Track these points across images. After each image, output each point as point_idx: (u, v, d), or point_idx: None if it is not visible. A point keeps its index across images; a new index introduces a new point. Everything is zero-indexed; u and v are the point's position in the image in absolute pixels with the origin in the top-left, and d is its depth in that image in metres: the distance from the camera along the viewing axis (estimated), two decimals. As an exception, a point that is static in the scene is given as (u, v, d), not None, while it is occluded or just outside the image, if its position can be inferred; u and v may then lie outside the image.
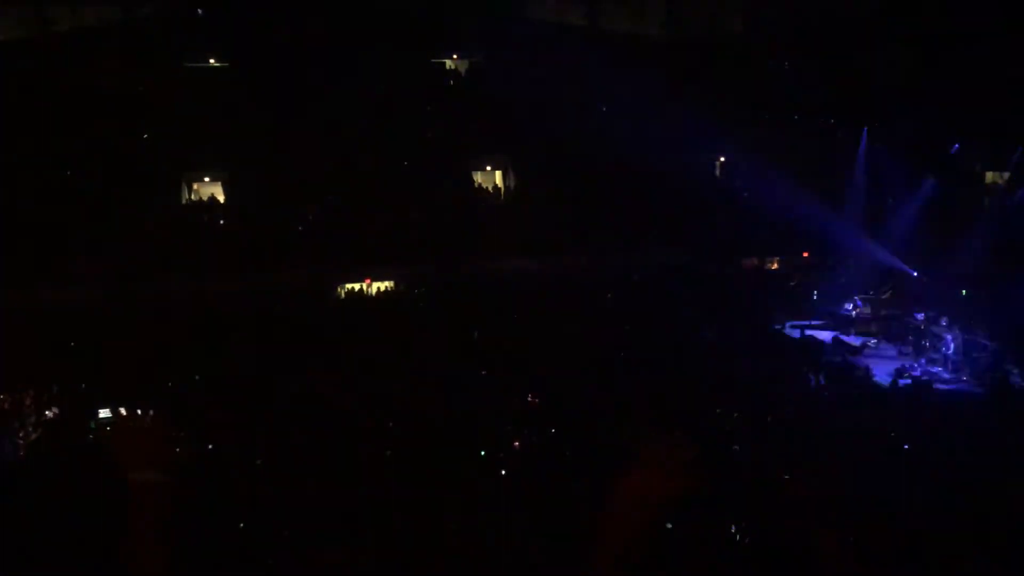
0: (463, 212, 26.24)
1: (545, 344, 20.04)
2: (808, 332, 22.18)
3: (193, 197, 27.32)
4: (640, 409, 15.06)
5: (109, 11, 29.17)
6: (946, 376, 19.33)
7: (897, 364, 20.18)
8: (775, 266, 27.97)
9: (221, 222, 25.35)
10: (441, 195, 26.41)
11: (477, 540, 8.87)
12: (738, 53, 30.67)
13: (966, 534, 8.88)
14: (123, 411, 13.65)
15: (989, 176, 29.50)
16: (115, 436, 2.35)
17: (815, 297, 24.53)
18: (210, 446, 11.50)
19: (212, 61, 29.87)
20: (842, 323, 23.22)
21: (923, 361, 20.43)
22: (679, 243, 25.90)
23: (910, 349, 21.44)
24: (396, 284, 25.10)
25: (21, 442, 14.89)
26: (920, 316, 21.97)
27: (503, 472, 11.46)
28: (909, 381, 18.61)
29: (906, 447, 12.20)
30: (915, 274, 24.34)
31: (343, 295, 24.65)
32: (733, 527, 8.68)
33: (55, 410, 16.22)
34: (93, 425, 15.07)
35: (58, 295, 20.88)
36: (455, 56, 32.32)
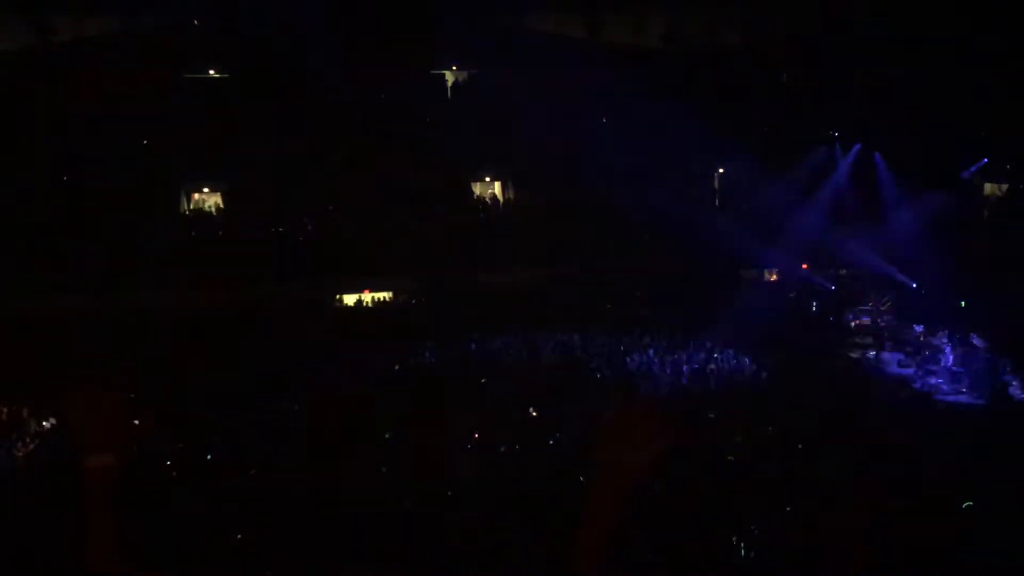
0: (462, 223, 26.19)
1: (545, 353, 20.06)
2: None
3: (192, 207, 27.32)
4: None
5: (109, 22, 29.18)
6: (945, 388, 19.28)
7: (896, 376, 20.16)
8: (774, 278, 27.93)
9: (220, 232, 25.31)
10: (441, 206, 26.37)
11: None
12: (737, 65, 30.71)
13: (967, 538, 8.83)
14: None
15: (987, 188, 29.54)
16: (76, 416, 2.15)
17: (814, 309, 24.49)
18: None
19: (212, 72, 29.90)
20: (842, 335, 23.18)
21: (922, 373, 20.39)
22: (679, 254, 25.82)
23: (909, 361, 21.38)
24: (395, 295, 25.06)
25: (19, 454, 14.84)
26: (919, 328, 21.94)
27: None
28: (908, 393, 18.59)
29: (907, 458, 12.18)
30: (914, 286, 24.32)
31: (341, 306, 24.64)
32: (735, 537, 8.66)
33: (52, 421, 16.18)
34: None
35: (54, 305, 20.81)
36: (455, 67, 32.36)
